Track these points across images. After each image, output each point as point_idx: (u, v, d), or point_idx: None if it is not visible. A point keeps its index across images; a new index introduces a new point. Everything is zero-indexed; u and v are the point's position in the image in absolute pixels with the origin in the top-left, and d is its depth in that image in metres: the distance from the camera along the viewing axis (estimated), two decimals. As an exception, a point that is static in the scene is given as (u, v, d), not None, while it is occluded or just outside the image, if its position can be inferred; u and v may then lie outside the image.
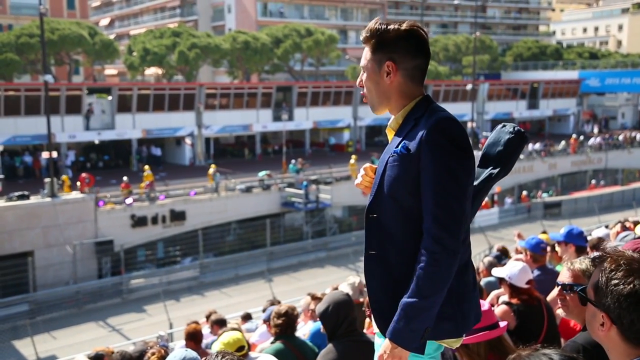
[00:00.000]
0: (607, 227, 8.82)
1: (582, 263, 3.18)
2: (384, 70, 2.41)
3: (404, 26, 2.40)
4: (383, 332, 2.40)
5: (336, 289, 7.81)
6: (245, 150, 44.08)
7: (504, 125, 2.75)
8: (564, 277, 3.09)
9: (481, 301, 3.50)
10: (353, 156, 35.57)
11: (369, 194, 2.45)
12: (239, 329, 5.96)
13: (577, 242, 5.07)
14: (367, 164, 2.62)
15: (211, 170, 30.99)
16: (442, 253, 2.23)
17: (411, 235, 2.34)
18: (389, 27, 2.40)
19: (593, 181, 44.55)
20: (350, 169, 33.58)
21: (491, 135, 2.75)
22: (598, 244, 5.12)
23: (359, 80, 2.52)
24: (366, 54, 2.46)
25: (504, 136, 2.69)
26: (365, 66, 2.47)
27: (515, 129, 2.70)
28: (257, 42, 50.56)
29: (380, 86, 2.44)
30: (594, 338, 1.92)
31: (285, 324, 4.86)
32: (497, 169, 2.65)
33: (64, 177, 28.56)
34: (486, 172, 2.66)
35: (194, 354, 2.99)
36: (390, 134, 2.50)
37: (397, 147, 2.37)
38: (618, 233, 5.52)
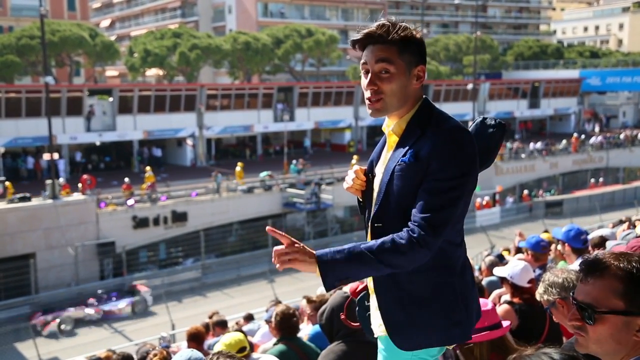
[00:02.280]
0: (600, 227, 8.84)
1: (558, 277, 3.28)
2: (414, 74, 2.34)
3: (418, 32, 2.34)
4: (398, 345, 2.39)
5: (340, 288, 7.81)
6: (246, 151, 44.10)
7: (484, 119, 2.69)
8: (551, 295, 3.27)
9: (484, 300, 3.50)
10: (355, 156, 35.60)
11: (374, 203, 2.40)
12: (239, 330, 5.98)
13: (572, 243, 5.06)
14: (357, 167, 2.57)
15: (238, 168, 31.23)
16: (420, 251, 2.18)
17: None
18: (411, 28, 2.31)
19: (592, 180, 44.56)
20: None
21: (471, 128, 2.67)
22: (600, 243, 5.11)
23: (370, 81, 2.32)
24: (388, 51, 2.29)
25: (486, 129, 2.64)
26: (392, 65, 2.29)
27: (497, 121, 2.65)
28: (257, 42, 50.58)
29: (407, 90, 2.34)
30: (620, 349, 1.77)
31: (287, 325, 4.85)
32: (481, 163, 2.57)
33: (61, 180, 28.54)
34: None
35: (199, 354, 2.99)
36: (390, 138, 2.44)
37: (404, 155, 2.31)
38: (624, 231, 5.54)
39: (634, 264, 1.75)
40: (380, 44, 2.30)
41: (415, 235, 2.17)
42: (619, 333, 1.75)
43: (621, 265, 1.75)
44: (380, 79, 2.31)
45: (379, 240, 2.20)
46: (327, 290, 2.24)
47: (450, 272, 2.36)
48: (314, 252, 2.26)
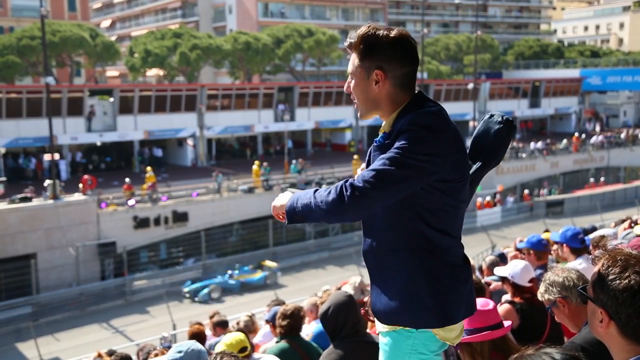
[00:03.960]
0: (600, 227, 8.85)
1: (559, 276, 3.29)
2: (372, 78, 2.39)
3: (392, 34, 2.36)
4: (381, 319, 2.47)
5: (339, 288, 7.82)
6: (247, 151, 44.10)
7: (492, 115, 2.70)
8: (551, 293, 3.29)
9: (485, 300, 3.50)
10: (355, 156, 35.69)
11: None
12: (247, 329, 5.97)
13: (571, 243, 5.07)
14: None
15: (255, 166, 31.22)
16: (346, 195, 2.23)
17: (396, 223, 2.38)
18: (377, 33, 2.36)
19: (592, 179, 44.53)
20: (353, 168, 33.66)
21: (479, 126, 2.71)
22: (600, 242, 5.12)
23: (346, 86, 2.50)
24: (354, 60, 2.43)
25: (493, 126, 2.65)
26: (354, 73, 2.44)
27: (504, 118, 2.66)
28: (258, 42, 50.57)
29: (368, 94, 2.43)
30: (595, 336, 1.93)
31: (291, 324, 4.85)
32: (488, 160, 2.63)
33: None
34: (477, 163, 2.64)
35: (200, 345, 2.99)
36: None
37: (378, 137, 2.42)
38: (625, 230, 5.55)
39: (612, 266, 1.83)
40: (351, 53, 2.45)
41: (347, 182, 2.27)
42: (591, 318, 1.91)
43: (605, 261, 1.86)
44: (350, 86, 2.48)
45: (331, 188, 2.32)
46: (289, 222, 2.39)
47: (429, 257, 2.38)
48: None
